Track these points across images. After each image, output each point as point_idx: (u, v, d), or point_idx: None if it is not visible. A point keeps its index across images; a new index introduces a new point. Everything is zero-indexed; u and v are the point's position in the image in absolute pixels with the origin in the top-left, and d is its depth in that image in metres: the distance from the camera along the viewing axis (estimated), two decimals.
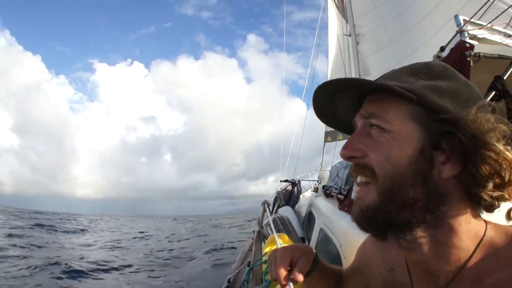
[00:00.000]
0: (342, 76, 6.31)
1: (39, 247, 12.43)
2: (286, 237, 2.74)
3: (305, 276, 0.69)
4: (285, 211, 4.35)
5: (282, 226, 3.35)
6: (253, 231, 4.04)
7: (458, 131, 0.51)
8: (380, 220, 0.54)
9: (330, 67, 7.75)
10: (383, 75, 0.62)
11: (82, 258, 10.34)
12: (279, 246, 2.44)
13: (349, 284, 0.81)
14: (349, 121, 0.65)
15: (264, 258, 2.29)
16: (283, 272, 0.68)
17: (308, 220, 3.79)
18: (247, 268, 2.26)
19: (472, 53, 1.72)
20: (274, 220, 3.48)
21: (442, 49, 2.13)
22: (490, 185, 0.51)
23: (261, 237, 3.31)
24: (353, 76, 5.64)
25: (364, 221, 0.56)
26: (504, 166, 0.49)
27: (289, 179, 6.53)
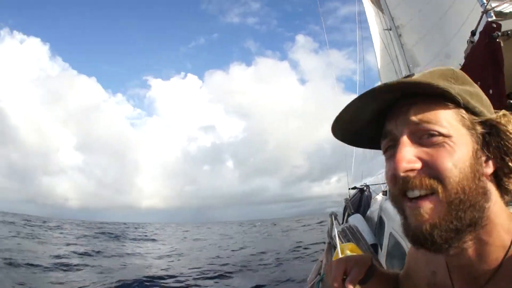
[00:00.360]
0: (392, 71, 6.11)
1: (108, 256, 13.45)
2: (354, 246, 2.77)
3: (359, 284, 0.73)
4: (355, 220, 4.31)
5: (351, 235, 3.36)
6: (324, 243, 4.09)
7: (495, 132, 0.55)
8: (451, 227, 0.52)
9: (379, 64, 7.53)
10: (408, 77, 0.58)
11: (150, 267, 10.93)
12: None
13: None
14: (365, 135, 0.65)
15: None
16: (336, 283, 0.72)
17: (379, 225, 3.71)
18: (318, 279, 2.37)
19: (499, 34, 1.69)
20: (342, 230, 3.51)
21: (473, 33, 2.10)
22: None
23: (331, 248, 3.36)
24: (403, 70, 5.44)
25: (438, 237, 0.52)
26: None
27: (357, 183, 6.39)
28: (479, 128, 0.55)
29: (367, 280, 0.75)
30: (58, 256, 12.31)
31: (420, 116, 0.54)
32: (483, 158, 0.55)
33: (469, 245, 0.54)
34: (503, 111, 0.57)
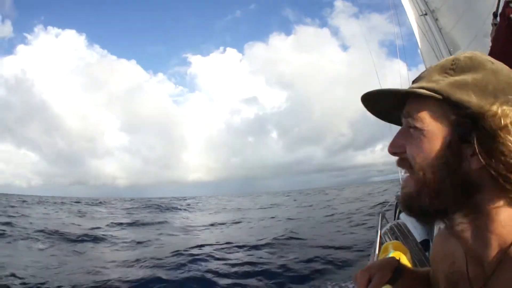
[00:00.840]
0: (435, 59, 5.79)
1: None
2: (398, 243, 2.73)
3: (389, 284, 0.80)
4: (406, 216, 4.16)
5: (399, 232, 3.28)
6: (373, 241, 4.01)
7: (479, 126, 0.54)
8: (417, 206, 0.61)
9: (421, 51, 7.15)
10: (419, 75, 0.67)
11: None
12: (390, 254, 2.54)
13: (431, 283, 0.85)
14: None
15: None
16: None
17: None
18: None
19: None
20: (390, 228, 3.44)
21: (495, 15, 2.04)
22: None
23: (380, 245, 3.32)
24: (445, 55, 5.16)
25: (406, 207, 0.64)
26: None
27: None
28: (462, 121, 0.56)
29: (395, 281, 0.81)
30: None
31: (407, 111, 0.63)
32: (468, 151, 0.56)
33: (465, 228, 0.60)
34: (500, 101, 0.54)
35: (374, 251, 3.39)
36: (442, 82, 0.59)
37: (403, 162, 0.64)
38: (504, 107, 0.53)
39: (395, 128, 0.70)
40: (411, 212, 0.63)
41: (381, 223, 3.77)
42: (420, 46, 7.34)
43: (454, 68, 0.61)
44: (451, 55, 4.75)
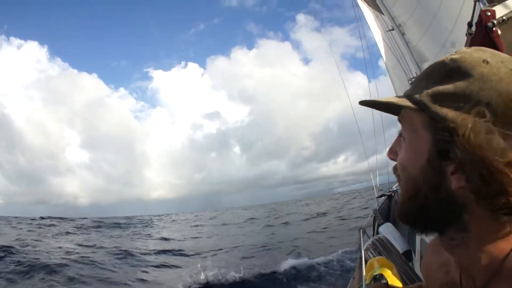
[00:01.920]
0: (401, 71, 5.97)
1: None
2: (383, 260, 2.63)
3: None
4: (386, 229, 4.11)
5: (382, 247, 3.20)
6: (356, 259, 3.94)
7: (456, 142, 0.48)
8: (405, 214, 0.60)
9: (387, 66, 7.41)
10: (415, 78, 0.68)
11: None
12: (376, 271, 2.40)
13: None
14: None
15: (361, 285, 2.27)
16: None
17: (411, 231, 3.54)
18: None
19: (495, 22, 1.62)
20: (373, 243, 3.36)
21: (470, 24, 2.03)
22: (501, 199, 0.46)
23: (362, 263, 3.24)
24: (412, 68, 5.32)
25: (398, 214, 0.61)
26: (508, 186, 0.45)
27: (384, 191, 6.14)
28: (441, 135, 0.51)
29: None
30: None
31: (399, 118, 0.62)
32: (449, 168, 0.50)
33: (457, 244, 0.56)
34: (475, 113, 0.48)
35: (360, 268, 3.31)
36: (424, 92, 0.56)
37: (395, 170, 0.63)
38: (478, 121, 0.47)
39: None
40: (402, 219, 0.60)
41: (362, 239, 3.71)
42: (385, 60, 7.61)
43: (441, 73, 0.55)
44: (419, 67, 4.89)
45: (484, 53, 0.54)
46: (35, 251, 10.99)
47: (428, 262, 0.79)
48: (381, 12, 6.24)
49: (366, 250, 3.41)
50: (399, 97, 0.60)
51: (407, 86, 5.35)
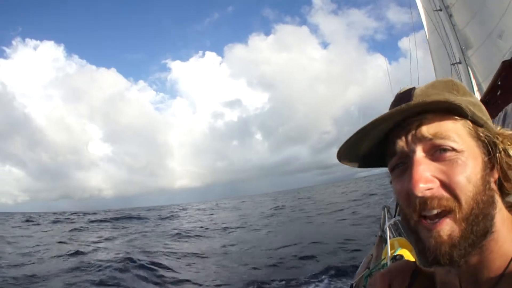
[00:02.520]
0: (445, 54, 5.75)
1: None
2: (404, 241, 2.78)
3: None
4: None
5: (403, 228, 3.37)
6: (375, 236, 4.11)
7: (497, 143, 0.56)
8: (470, 243, 0.52)
9: (430, 46, 7.09)
10: (411, 94, 0.60)
11: None
12: (397, 251, 2.57)
13: None
14: (370, 154, 0.64)
15: (383, 262, 2.43)
16: None
17: None
18: (366, 273, 2.41)
19: None
20: (394, 223, 3.53)
21: None
22: None
23: (382, 241, 3.41)
24: (456, 53, 5.13)
25: (456, 256, 0.52)
26: None
27: None
28: (484, 139, 0.56)
29: (412, 284, 0.75)
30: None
31: (432, 132, 0.53)
32: (490, 166, 0.55)
33: (475, 253, 0.53)
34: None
35: (379, 246, 3.48)
36: (461, 100, 0.54)
37: (442, 199, 0.51)
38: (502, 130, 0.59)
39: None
40: (453, 263, 0.52)
41: (385, 217, 3.86)
42: (428, 41, 7.29)
43: (456, 89, 0.59)
44: (463, 53, 4.74)
45: None
46: None
47: None
48: None
49: (387, 228, 3.58)
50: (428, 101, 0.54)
51: (448, 71, 5.20)
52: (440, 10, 5.52)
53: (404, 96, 0.60)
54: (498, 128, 0.58)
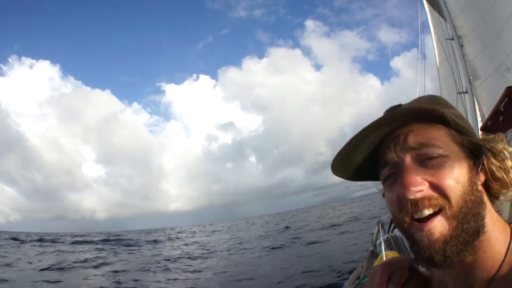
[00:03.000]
0: (452, 84, 5.89)
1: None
2: (396, 254, 2.81)
3: (403, 286, 0.73)
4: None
5: (395, 245, 3.42)
6: (367, 250, 4.16)
7: (481, 147, 0.60)
8: (462, 241, 0.54)
9: (439, 74, 7.25)
10: (395, 108, 0.63)
11: None
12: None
13: None
14: (360, 167, 0.68)
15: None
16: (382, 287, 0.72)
17: None
18: (357, 283, 2.46)
19: None
20: (387, 239, 3.57)
21: None
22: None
23: (373, 255, 3.46)
24: (464, 83, 5.26)
25: (450, 253, 0.54)
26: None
27: None
28: (467, 145, 0.60)
29: (409, 281, 0.76)
30: None
31: (419, 142, 0.58)
32: (475, 170, 0.59)
33: (468, 253, 0.56)
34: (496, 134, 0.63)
35: (373, 260, 3.53)
36: (444, 111, 0.59)
37: (432, 200, 0.56)
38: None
39: None
40: (447, 260, 0.54)
41: (378, 232, 3.92)
42: (438, 68, 7.44)
43: (438, 103, 0.65)
44: (470, 83, 4.86)
45: None
46: None
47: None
48: (444, 19, 6.11)
49: (379, 244, 3.64)
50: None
51: (454, 99, 5.32)
52: (452, 39, 5.68)
53: (391, 111, 0.63)
54: (481, 135, 0.64)
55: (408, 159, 0.58)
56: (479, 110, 4.65)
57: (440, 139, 0.58)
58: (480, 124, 4.40)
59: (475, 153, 0.60)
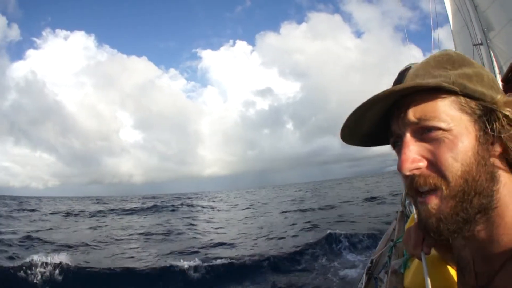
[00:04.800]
0: (467, 35, 5.78)
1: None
2: None
3: (435, 247, 0.75)
4: None
5: None
6: (396, 211, 4.30)
7: (497, 114, 0.53)
8: (460, 219, 0.53)
9: (452, 28, 7.06)
10: (404, 74, 0.61)
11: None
12: None
13: None
14: (371, 133, 0.65)
15: None
16: (417, 248, 0.72)
17: None
18: (391, 244, 2.37)
19: None
20: None
21: None
22: None
23: (403, 216, 3.58)
24: (478, 34, 5.18)
25: (444, 229, 0.54)
26: None
27: None
28: (480, 112, 0.54)
29: (440, 242, 0.77)
30: None
31: (418, 115, 0.55)
32: (490, 140, 0.54)
33: (481, 228, 0.55)
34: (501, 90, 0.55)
35: (404, 221, 3.66)
36: (451, 75, 0.55)
37: (429, 177, 0.54)
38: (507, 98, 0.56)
39: None
40: (450, 232, 0.55)
41: (406, 194, 4.02)
42: (451, 24, 7.23)
43: (451, 63, 0.57)
44: (485, 35, 4.81)
45: None
46: None
47: None
48: None
49: (408, 204, 3.79)
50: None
51: (470, 52, 5.27)
52: None
53: (399, 77, 0.62)
54: (499, 97, 0.55)
55: (408, 133, 0.57)
56: (497, 62, 4.63)
57: (443, 110, 0.54)
58: (497, 77, 4.40)
59: (487, 121, 0.54)
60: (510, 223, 0.53)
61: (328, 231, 9.44)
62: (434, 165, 0.54)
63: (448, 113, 0.54)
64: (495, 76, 4.62)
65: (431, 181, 0.54)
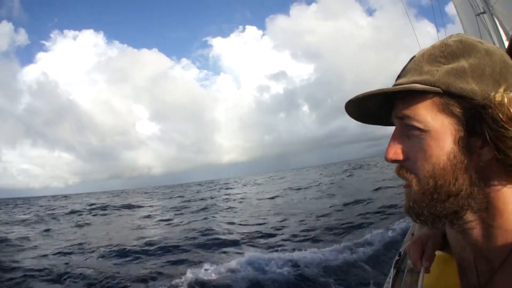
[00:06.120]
0: (469, 7, 5.52)
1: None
2: None
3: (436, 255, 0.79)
4: None
5: None
6: None
7: (488, 114, 0.48)
8: (426, 213, 0.55)
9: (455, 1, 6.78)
10: (405, 68, 0.60)
11: None
12: None
13: None
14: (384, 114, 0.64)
15: None
16: (417, 265, 0.79)
17: None
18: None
19: None
20: None
21: None
22: None
23: None
24: (480, 3, 4.93)
25: (412, 215, 0.57)
26: None
27: None
28: (467, 112, 0.51)
29: (445, 247, 0.80)
30: None
31: (403, 112, 0.55)
32: (477, 143, 0.51)
33: (473, 226, 0.56)
34: (503, 87, 0.49)
35: None
36: (438, 73, 0.52)
37: (404, 172, 0.58)
38: (510, 94, 0.48)
39: None
40: (418, 219, 0.57)
41: None
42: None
43: (445, 55, 0.54)
44: (486, 3, 4.56)
45: (474, 37, 0.57)
46: None
47: (449, 233, 0.79)
48: None
49: None
50: (394, 87, 0.55)
51: (474, 22, 5.02)
52: None
53: (401, 71, 0.61)
54: (493, 94, 0.49)
55: (397, 126, 0.59)
56: (502, 28, 4.38)
57: (421, 112, 0.53)
58: (505, 43, 4.15)
59: (478, 120, 0.50)
60: (505, 224, 0.54)
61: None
62: (409, 162, 0.56)
63: (427, 114, 0.53)
64: (503, 44, 4.37)
65: (404, 175, 0.57)
